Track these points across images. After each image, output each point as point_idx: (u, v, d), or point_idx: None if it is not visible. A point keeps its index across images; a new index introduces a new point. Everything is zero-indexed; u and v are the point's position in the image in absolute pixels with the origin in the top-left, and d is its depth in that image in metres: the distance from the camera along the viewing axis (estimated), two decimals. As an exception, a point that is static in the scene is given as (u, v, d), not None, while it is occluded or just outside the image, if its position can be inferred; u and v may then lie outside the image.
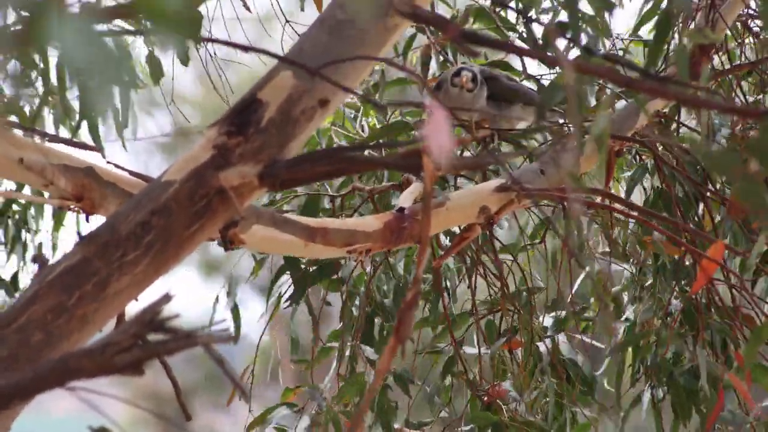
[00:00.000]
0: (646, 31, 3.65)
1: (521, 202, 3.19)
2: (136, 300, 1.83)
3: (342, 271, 3.52)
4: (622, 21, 3.82)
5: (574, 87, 1.54)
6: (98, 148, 3.11)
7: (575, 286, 3.62)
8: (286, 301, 3.51)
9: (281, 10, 3.62)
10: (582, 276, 3.60)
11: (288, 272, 3.47)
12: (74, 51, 1.09)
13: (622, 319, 3.56)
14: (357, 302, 3.54)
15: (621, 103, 3.44)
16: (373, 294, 3.54)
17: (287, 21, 3.62)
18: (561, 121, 3.41)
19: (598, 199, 3.36)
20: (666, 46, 3.32)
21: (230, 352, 3.70)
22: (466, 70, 3.31)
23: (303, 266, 3.47)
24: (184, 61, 3.11)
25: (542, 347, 3.53)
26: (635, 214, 3.30)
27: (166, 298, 1.55)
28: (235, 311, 3.53)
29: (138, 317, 1.52)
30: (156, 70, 3.34)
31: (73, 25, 1.09)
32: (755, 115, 1.41)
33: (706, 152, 1.60)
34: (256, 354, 3.61)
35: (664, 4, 3.47)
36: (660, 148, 3.50)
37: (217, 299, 3.55)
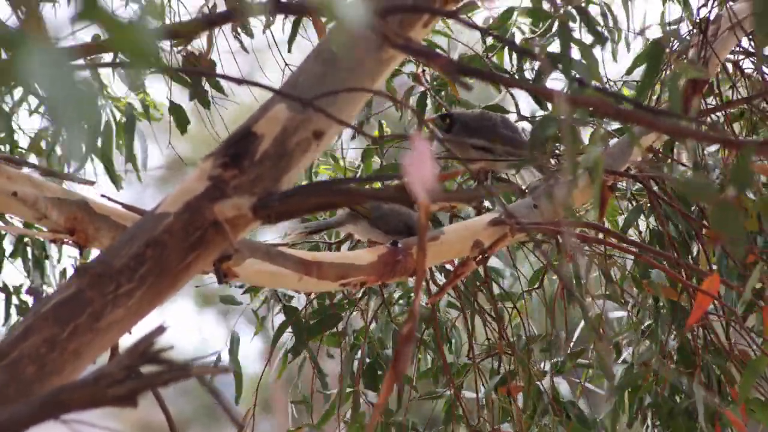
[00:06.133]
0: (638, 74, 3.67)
1: (515, 236, 3.19)
2: (130, 333, 1.82)
3: (342, 324, 3.54)
4: (613, 68, 3.84)
5: (568, 119, 1.55)
6: (89, 182, 3.12)
7: (577, 331, 3.61)
8: (287, 352, 3.54)
9: (275, 43, 3.63)
10: (579, 317, 3.59)
11: (290, 327, 3.49)
12: (47, 87, 1.09)
13: (620, 361, 3.55)
14: (358, 354, 3.55)
15: (614, 141, 3.45)
16: (373, 343, 3.55)
17: (283, 58, 3.63)
18: (554, 155, 3.41)
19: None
20: (657, 81, 3.33)
21: (224, 383, 3.68)
22: None
23: (303, 320, 3.48)
24: (201, 100, 3.10)
25: (542, 390, 3.51)
26: (633, 249, 3.29)
27: (160, 329, 1.55)
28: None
29: (131, 349, 1.52)
30: (181, 120, 3.35)
31: (47, 61, 1.09)
32: (737, 144, 1.42)
33: (685, 180, 1.60)
34: (239, 382, 3.60)
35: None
36: (654, 186, 3.50)
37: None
